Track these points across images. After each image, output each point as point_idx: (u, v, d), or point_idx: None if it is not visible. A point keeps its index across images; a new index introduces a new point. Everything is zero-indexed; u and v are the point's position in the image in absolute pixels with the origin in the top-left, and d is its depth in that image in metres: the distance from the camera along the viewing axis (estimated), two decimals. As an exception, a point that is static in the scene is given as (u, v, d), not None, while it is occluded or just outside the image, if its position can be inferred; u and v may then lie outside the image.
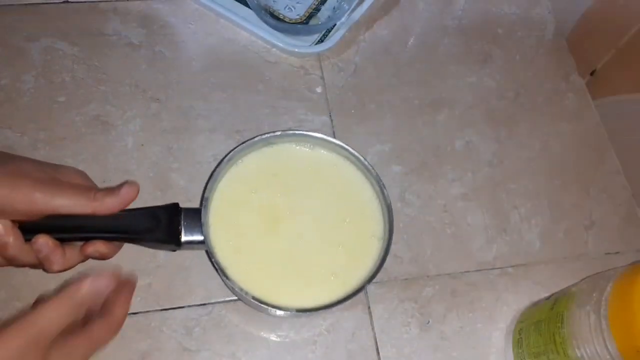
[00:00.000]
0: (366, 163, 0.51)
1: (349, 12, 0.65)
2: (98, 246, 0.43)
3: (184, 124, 0.59)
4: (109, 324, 0.39)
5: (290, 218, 0.50)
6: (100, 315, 0.39)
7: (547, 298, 0.51)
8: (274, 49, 0.64)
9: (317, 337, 0.52)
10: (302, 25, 0.65)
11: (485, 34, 0.69)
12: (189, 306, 0.52)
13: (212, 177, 0.49)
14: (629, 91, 0.61)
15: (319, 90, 0.63)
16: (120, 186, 0.42)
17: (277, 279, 0.48)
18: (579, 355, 0.44)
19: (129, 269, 0.52)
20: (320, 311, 0.47)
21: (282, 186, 0.51)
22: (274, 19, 0.64)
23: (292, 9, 0.65)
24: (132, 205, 0.43)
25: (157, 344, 0.50)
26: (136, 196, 0.42)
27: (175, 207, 0.46)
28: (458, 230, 0.58)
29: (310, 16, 0.65)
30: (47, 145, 0.56)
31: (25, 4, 0.62)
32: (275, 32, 0.64)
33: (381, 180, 0.51)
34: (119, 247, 0.46)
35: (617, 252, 0.59)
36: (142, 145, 0.57)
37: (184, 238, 0.45)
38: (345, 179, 0.52)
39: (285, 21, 0.64)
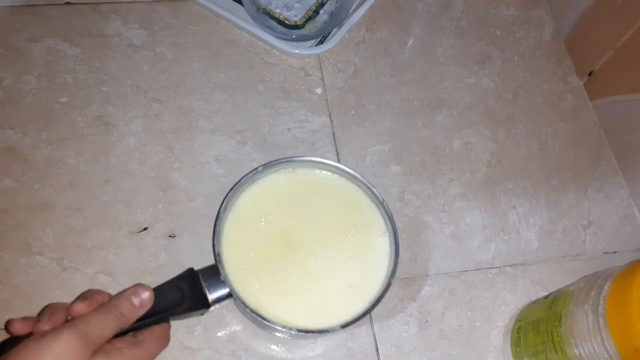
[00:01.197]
0: (346, 169, 0.52)
1: (346, 17, 0.65)
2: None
3: (185, 125, 0.59)
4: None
5: (300, 246, 0.51)
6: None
7: (545, 297, 0.52)
8: (274, 50, 0.64)
9: (317, 336, 0.52)
10: (298, 29, 0.65)
11: (483, 35, 0.69)
12: (190, 305, 0.52)
13: (216, 232, 0.49)
14: (626, 92, 0.61)
15: (318, 91, 0.63)
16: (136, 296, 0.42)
17: (311, 306, 0.49)
18: (577, 353, 0.44)
19: (129, 268, 0.52)
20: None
21: (282, 217, 0.52)
22: (271, 19, 0.64)
23: (291, 9, 0.65)
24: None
25: (159, 342, 0.50)
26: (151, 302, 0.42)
27: (191, 272, 0.47)
28: (457, 230, 0.58)
29: (308, 19, 0.66)
30: (49, 146, 0.56)
31: (27, 5, 0.62)
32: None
33: (368, 181, 0.52)
34: None
35: (615, 252, 0.59)
36: (144, 145, 0.58)
37: (211, 298, 0.46)
38: (334, 191, 0.53)
39: (284, 23, 0.64)
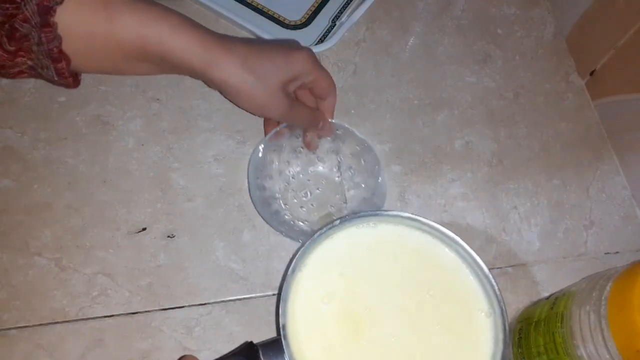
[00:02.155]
0: (443, 229, 0.45)
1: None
2: None
3: (184, 124, 0.59)
4: None
5: (374, 314, 0.43)
6: None
7: (547, 298, 0.51)
8: (274, 49, 0.64)
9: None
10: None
11: (484, 34, 0.69)
12: (190, 306, 0.52)
13: (282, 299, 0.42)
14: (628, 91, 0.61)
15: (319, 90, 0.63)
16: None
17: None
18: (578, 354, 0.44)
19: (128, 269, 0.52)
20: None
21: (361, 283, 0.44)
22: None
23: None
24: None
25: (158, 343, 0.50)
26: None
27: (249, 347, 0.41)
28: (458, 230, 0.57)
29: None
30: (47, 145, 0.56)
31: (26, 4, 0.62)
32: (275, 32, 0.64)
33: (463, 243, 0.44)
34: None
35: (617, 252, 0.59)
36: (143, 145, 0.58)
37: None
38: (416, 250, 0.45)
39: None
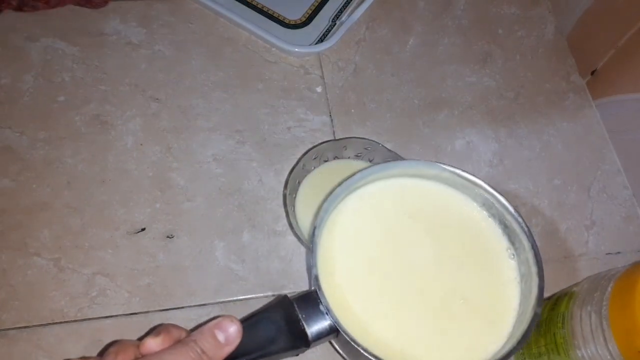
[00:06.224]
0: (457, 171, 0.45)
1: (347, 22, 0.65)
2: None
3: (184, 124, 0.59)
4: None
5: (412, 269, 0.44)
6: None
7: (548, 298, 0.51)
8: (273, 49, 0.64)
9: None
10: None
11: (485, 34, 0.69)
12: (189, 306, 0.52)
13: (314, 250, 0.41)
14: (629, 91, 0.61)
15: (319, 89, 0.63)
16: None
17: (431, 334, 0.42)
18: (579, 355, 0.44)
19: (127, 269, 0.52)
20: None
21: (386, 234, 0.45)
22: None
23: None
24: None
25: (157, 344, 0.50)
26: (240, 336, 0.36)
27: (284, 300, 0.40)
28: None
29: None
30: (46, 145, 0.56)
31: (25, 4, 0.62)
32: (275, 31, 0.64)
33: (484, 184, 0.45)
34: None
35: (618, 252, 0.59)
36: (142, 144, 0.57)
37: (311, 332, 0.39)
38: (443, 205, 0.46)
39: None
